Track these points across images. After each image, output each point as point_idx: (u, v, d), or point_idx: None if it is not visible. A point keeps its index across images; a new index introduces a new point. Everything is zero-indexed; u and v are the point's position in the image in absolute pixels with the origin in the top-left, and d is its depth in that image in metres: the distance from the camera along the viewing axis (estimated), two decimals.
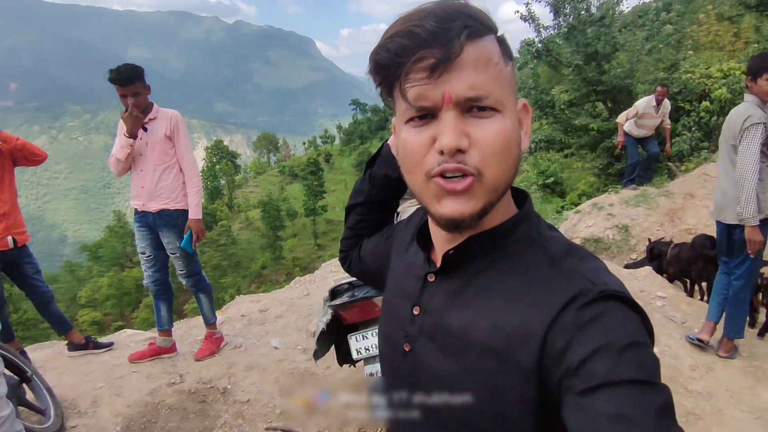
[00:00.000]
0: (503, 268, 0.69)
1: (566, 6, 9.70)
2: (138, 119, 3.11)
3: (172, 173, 3.26)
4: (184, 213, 3.31)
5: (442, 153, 0.61)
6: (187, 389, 3.21)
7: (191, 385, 3.25)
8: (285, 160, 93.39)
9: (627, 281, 4.57)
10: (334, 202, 62.48)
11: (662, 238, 5.89)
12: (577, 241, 7.54)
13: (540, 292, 0.63)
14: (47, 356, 3.63)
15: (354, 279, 1.69)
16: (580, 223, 7.68)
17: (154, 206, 3.25)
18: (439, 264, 0.74)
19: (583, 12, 9.52)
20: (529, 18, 9.97)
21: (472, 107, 0.61)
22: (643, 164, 7.82)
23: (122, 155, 3.17)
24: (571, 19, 9.50)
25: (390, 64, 0.61)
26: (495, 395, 0.64)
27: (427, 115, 0.62)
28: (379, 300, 2.21)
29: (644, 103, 7.05)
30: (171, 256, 3.39)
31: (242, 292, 32.39)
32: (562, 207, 12.87)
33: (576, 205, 11.07)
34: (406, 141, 0.65)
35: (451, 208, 0.63)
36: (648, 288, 4.54)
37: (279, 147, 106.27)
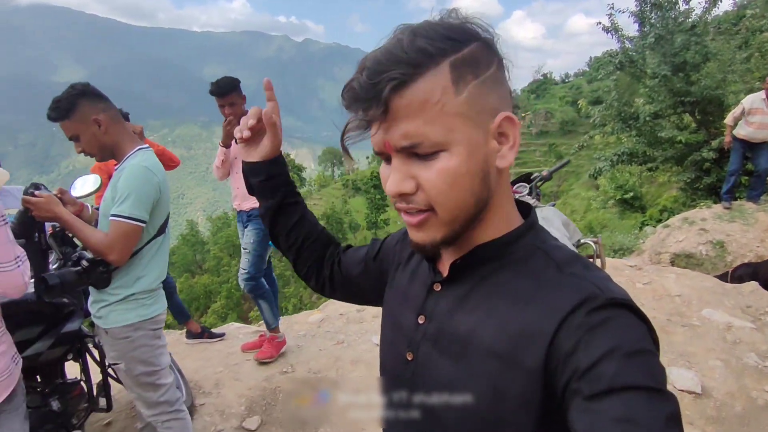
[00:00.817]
0: (510, 274, 0.69)
1: (653, 16, 9.40)
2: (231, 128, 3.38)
3: None
4: None
5: None
6: (299, 378, 3.41)
7: (302, 374, 3.44)
8: (348, 174, 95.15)
9: (731, 297, 4.37)
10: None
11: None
12: (667, 257, 7.24)
13: (547, 295, 0.64)
14: (168, 342, 3.96)
15: None
16: (669, 238, 7.37)
17: (246, 205, 3.51)
18: (446, 273, 0.76)
19: (671, 21, 9.17)
20: (612, 29, 9.72)
21: (413, 153, 0.63)
22: (751, 182, 7.33)
23: (219, 162, 3.52)
24: (658, 29, 9.16)
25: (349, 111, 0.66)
26: (497, 397, 0.64)
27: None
28: None
29: (751, 98, 6.49)
30: (243, 251, 3.52)
31: (304, 302, 33.14)
32: (643, 222, 12.36)
33: (659, 221, 10.60)
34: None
35: (414, 237, 0.69)
36: (756, 304, 4.31)
37: (343, 161, 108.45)
